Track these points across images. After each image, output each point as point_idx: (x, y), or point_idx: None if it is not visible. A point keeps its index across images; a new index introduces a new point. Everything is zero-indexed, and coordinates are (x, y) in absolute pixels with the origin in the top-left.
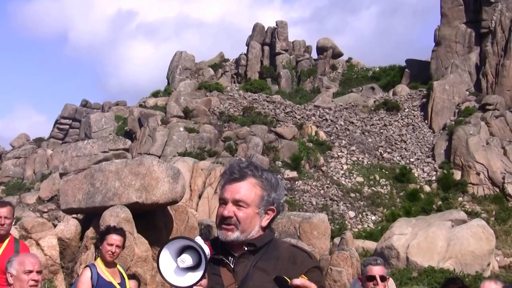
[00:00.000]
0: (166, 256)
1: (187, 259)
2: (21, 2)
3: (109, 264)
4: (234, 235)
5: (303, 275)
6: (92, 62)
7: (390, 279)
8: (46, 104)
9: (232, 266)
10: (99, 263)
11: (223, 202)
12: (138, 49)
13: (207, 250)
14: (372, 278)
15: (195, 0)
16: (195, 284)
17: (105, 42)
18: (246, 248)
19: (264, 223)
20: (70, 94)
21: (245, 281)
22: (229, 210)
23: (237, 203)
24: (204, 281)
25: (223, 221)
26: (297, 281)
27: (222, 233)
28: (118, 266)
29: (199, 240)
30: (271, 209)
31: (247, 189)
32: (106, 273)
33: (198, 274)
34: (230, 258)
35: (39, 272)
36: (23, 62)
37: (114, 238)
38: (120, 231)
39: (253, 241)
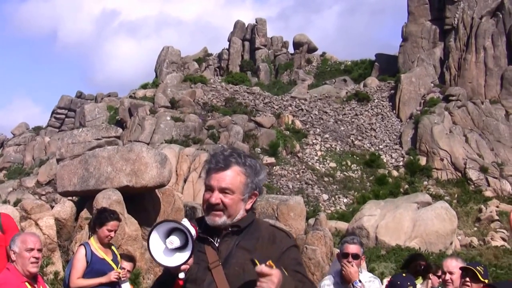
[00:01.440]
0: (155, 238)
1: (175, 241)
2: (16, 3)
3: (104, 244)
4: (221, 220)
5: (270, 261)
6: (80, 58)
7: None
8: (41, 96)
9: (217, 245)
10: (92, 242)
11: (209, 189)
12: (122, 45)
13: (193, 231)
14: (346, 255)
15: (175, 0)
16: (183, 263)
17: (92, 40)
18: (230, 229)
19: (248, 206)
20: (62, 88)
21: (228, 258)
22: (216, 197)
23: (223, 191)
24: (190, 260)
25: (210, 207)
26: (260, 268)
27: (210, 219)
28: (112, 247)
29: (185, 222)
30: (254, 194)
31: (232, 177)
32: (99, 251)
33: (185, 254)
34: (214, 237)
35: (39, 250)
36: (19, 59)
37: (113, 224)
38: (118, 217)
39: (237, 223)
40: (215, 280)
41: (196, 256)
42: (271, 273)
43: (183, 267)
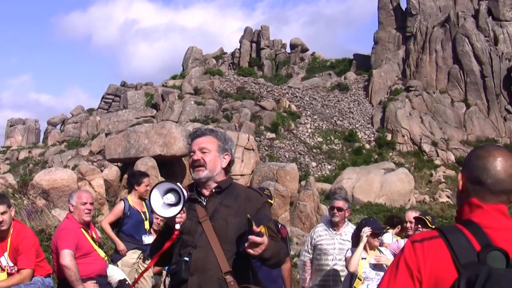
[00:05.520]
0: (156, 194)
1: (170, 198)
2: (61, 15)
3: (139, 198)
4: (204, 173)
5: (262, 226)
6: (110, 57)
7: None
8: (89, 85)
9: (204, 204)
10: (129, 198)
11: (192, 153)
12: (140, 47)
13: (185, 192)
14: (332, 208)
15: (182, 11)
16: (175, 215)
17: (118, 43)
18: (214, 190)
19: (224, 164)
20: (99, 79)
21: (214, 214)
22: (197, 155)
23: (202, 150)
24: (183, 215)
25: (194, 164)
26: (257, 231)
27: (194, 173)
28: (146, 201)
29: (179, 184)
30: (227, 154)
31: (207, 141)
32: (135, 205)
33: (178, 208)
34: (202, 197)
35: (91, 203)
36: (65, 57)
37: (148, 180)
38: (148, 174)
39: (219, 184)
40: (205, 231)
41: (188, 213)
42: (264, 241)
43: (178, 219)
